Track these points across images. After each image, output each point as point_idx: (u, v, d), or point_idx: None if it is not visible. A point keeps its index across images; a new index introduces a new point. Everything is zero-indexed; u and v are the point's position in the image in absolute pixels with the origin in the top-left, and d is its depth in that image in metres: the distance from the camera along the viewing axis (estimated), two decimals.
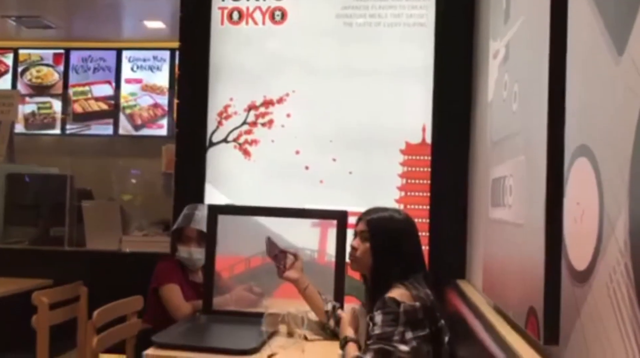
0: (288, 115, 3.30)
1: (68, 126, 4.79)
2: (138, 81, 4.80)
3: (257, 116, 3.32)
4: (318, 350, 2.06)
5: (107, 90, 4.83)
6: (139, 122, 4.76)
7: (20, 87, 4.83)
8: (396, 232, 1.90)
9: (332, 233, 2.81)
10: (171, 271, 2.69)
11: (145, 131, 4.73)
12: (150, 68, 4.78)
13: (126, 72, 4.82)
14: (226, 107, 3.36)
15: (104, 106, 4.81)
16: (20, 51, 4.85)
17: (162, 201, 4.27)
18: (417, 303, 1.73)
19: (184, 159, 3.42)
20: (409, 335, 1.70)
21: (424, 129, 3.23)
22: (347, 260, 2.15)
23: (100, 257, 3.75)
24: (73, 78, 4.83)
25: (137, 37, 4.73)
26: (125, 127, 4.73)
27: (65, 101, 4.78)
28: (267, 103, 3.32)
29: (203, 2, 3.39)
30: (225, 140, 3.35)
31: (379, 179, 3.21)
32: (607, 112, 1.11)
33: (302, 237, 2.95)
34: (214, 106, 3.37)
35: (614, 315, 1.03)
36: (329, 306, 2.22)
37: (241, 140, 3.33)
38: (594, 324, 1.13)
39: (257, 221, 3.02)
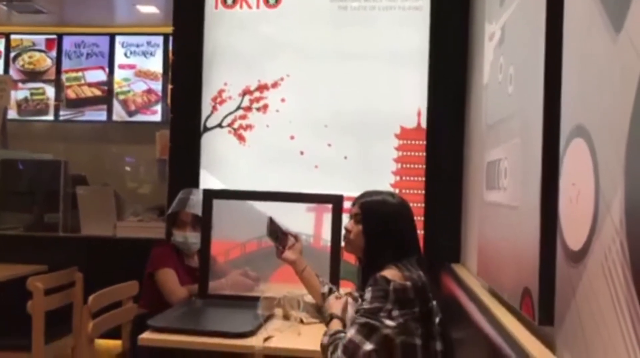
0: (283, 100, 3.29)
1: (61, 112, 4.76)
2: (131, 67, 4.77)
3: (251, 101, 3.31)
4: (314, 333, 2.06)
5: (100, 76, 4.80)
6: (132, 108, 4.74)
7: (12, 73, 4.79)
8: (388, 215, 1.90)
9: (327, 218, 2.81)
10: (166, 256, 2.69)
11: (139, 117, 4.71)
12: (144, 54, 4.75)
13: (119, 57, 4.79)
14: (220, 92, 3.34)
15: (98, 92, 4.78)
16: (12, 36, 4.81)
17: (157, 187, 4.27)
18: (408, 283, 1.74)
19: (179, 145, 3.41)
20: (396, 312, 1.71)
21: (419, 114, 3.22)
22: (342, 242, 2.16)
23: (95, 243, 3.75)
24: (66, 64, 4.79)
25: (131, 22, 4.69)
26: (119, 114, 4.71)
27: (59, 86, 4.75)
28: (262, 88, 3.30)
29: None
30: (219, 125, 3.34)
31: (374, 164, 3.21)
32: (604, 91, 1.11)
33: (298, 222, 2.95)
34: (208, 91, 3.35)
35: (609, 294, 1.03)
36: (326, 289, 2.23)
37: (236, 125, 3.32)
38: (589, 303, 1.14)
39: (253, 206, 3.02)
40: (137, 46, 4.75)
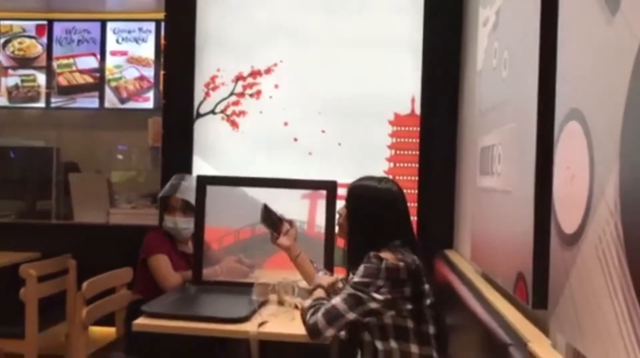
0: (276, 86, 3.27)
1: (53, 99, 4.71)
2: (123, 53, 4.72)
3: (244, 87, 3.29)
4: None
5: (92, 62, 4.75)
6: (124, 95, 4.70)
7: (2, 59, 4.74)
8: (373, 200, 1.89)
9: (321, 205, 2.82)
10: (159, 242, 2.69)
11: (132, 104, 4.66)
12: (136, 40, 4.70)
13: (111, 44, 4.73)
14: (213, 78, 3.32)
15: (89, 79, 4.73)
16: (2, 22, 4.75)
17: (150, 174, 4.25)
18: (401, 264, 1.74)
19: (171, 131, 3.39)
20: (385, 289, 1.71)
21: (413, 100, 3.22)
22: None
23: (88, 230, 3.73)
24: (57, 50, 4.74)
25: (122, 8, 4.65)
26: (111, 101, 4.66)
27: (50, 73, 4.70)
28: (255, 74, 3.28)
29: None
30: (212, 111, 3.32)
31: (368, 150, 3.20)
32: (599, 74, 1.11)
33: (292, 209, 2.95)
34: (201, 77, 3.33)
35: (602, 276, 1.04)
36: (320, 275, 2.23)
37: (229, 111, 3.31)
38: (583, 286, 1.14)
39: (246, 193, 3.02)
40: (129, 32, 4.70)
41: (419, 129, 3.21)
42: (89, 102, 4.66)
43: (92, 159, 4.43)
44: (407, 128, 3.23)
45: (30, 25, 4.76)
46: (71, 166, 4.09)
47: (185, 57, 3.33)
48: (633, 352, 0.90)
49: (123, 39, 4.73)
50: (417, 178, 3.20)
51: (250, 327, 2.01)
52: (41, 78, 4.71)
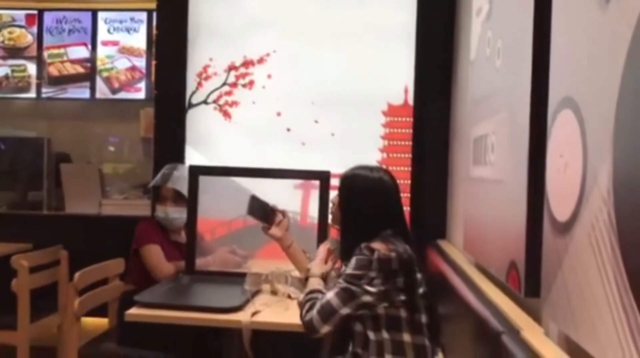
0: (269, 76, 3.26)
1: (44, 90, 4.67)
2: (115, 43, 4.68)
3: (237, 77, 3.27)
4: None
5: (83, 52, 4.71)
6: (116, 85, 4.66)
7: None
8: (363, 189, 1.89)
9: (314, 195, 2.81)
10: (151, 232, 2.67)
11: (123, 95, 4.63)
12: (127, 30, 4.66)
13: (102, 34, 4.70)
14: (205, 67, 3.30)
15: (80, 69, 4.69)
16: None
17: (142, 165, 4.23)
18: (393, 254, 1.74)
19: (164, 121, 3.37)
20: (378, 281, 1.71)
21: (406, 91, 3.22)
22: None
23: (80, 221, 3.72)
24: (48, 40, 4.69)
25: None
26: (102, 91, 4.63)
27: (40, 63, 4.66)
28: (248, 63, 3.27)
29: None
30: (205, 101, 3.30)
31: (361, 140, 3.20)
32: (593, 62, 1.11)
33: (285, 199, 2.94)
34: (193, 67, 3.31)
35: (595, 263, 1.04)
36: (316, 262, 2.22)
37: (221, 101, 3.29)
38: (575, 273, 1.15)
39: (238, 184, 3.01)
40: (120, 22, 4.66)
41: (412, 119, 3.21)
42: (80, 92, 4.63)
43: (84, 149, 4.41)
44: (400, 119, 3.23)
45: (20, 15, 4.71)
46: (62, 157, 4.07)
47: (177, 47, 3.31)
48: (625, 339, 0.91)
49: (114, 29, 4.69)
50: (410, 169, 3.20)
51: (243, 316, 2.01)
52: (32, 68, 4.67)
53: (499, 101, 1.81)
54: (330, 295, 1.74)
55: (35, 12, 4.68)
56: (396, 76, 3.21)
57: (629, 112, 0.94)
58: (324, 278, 1.96)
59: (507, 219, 1.65)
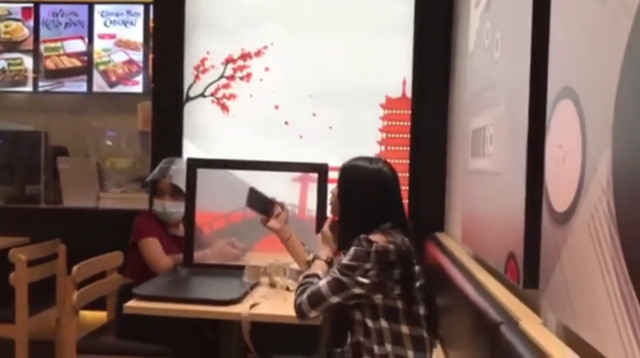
0: (267, 69, 3.25)
1: (40, 83, 4.65)
2: (111, 37, 4.66)
3: (235, 70, 3.26)
4: None
5: (79, 46, 4.69)
6: (113, 79, 4.65)
7: None
8: (361, 181, 1.88)
9: (312, 188, 2.81)
10: (149, 225, 2.67)
11: (120, 88, 4.62)
12: (124, 23, 4.64)
13: (99, 27, 4.67)
14: (203, 60, 3.29)
15: (77, 63, 4.67)
16: None
17: (139, 159, 4.22)
18: (391, 246, 1.74)
19: (161, 115, 3.36)
20: (373, 272, 1.71)
21: (404, 83, 3.21)
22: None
23: (77, 214, 3.71)
24: (44, 33, 4.67)
25: None
26: (99, 84, 4.61)
27: (37, 57, 4.64)
28: (245, 56, 3.25)
29: None
30: (202, 95, 3.29)
31: (359, 133, 3.19)
32: (592, 52, 1.10)
33: (283, 192, 2.94)
34: (190, 60, 3.30)
35: (594, 253, 1.04)
36: (311, 257, 2.22)
37: (219, 94, 3.28)
38: (574, 264, 1.15)
39: (236, 177, 3.00)
40: (117, 14, 4.64)
41: (410, 112, 3.20)
42: (77, 86, 4.61)
43: (81, 143, 4.39)
44: (398, 111, 3.23)
45: (16, 8, 4.69)
46: (60, 150, 4.05)
47: (174, 39, 3.30)
48: (625, 328, 0.91)
49: (111, 22, 4.67)
50: (408, 161, 3.20)
51: (241, 308, 2.01)
52: (28, 62, 4.65)
53: (498, 92, 1.81)
54: (322, 283, 1.76)
55: (32, 5, 4.66)
56: (394, 68, 3.20)
57: (629, 102, 0.93)
58: (330, 262, 1.96)
59: (505, 210, 1.65)
